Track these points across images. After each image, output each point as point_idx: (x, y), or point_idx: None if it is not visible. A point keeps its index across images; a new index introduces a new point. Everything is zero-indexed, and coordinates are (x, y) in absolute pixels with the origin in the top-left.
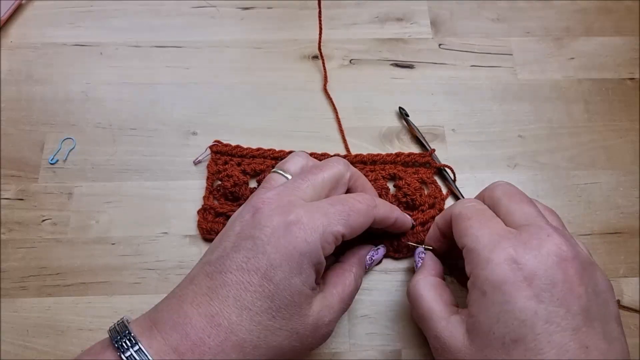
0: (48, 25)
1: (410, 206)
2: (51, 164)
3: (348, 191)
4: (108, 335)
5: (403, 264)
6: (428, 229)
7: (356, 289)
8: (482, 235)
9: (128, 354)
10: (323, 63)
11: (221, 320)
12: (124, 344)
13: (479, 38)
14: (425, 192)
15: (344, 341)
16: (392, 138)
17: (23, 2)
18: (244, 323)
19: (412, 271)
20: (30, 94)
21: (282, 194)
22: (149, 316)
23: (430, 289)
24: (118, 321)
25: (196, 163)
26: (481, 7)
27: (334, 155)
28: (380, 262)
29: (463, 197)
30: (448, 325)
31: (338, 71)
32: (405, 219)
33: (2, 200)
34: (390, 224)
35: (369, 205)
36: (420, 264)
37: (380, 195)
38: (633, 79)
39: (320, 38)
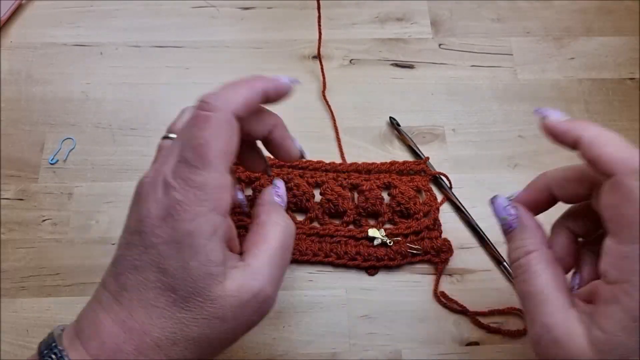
0: (48, 25)
1: (404, 215)
2: (51, 164)
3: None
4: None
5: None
6: (423, 238)
7: (287, 235)
8: None
9: None
10: (322, 69)
11: (132, 323)
12: (51, 358)
13: (479, 38)
14: (420, 200)
15: (344, 341)
16: (392, 138)
17: (23, 2)
18: (154, 322)
19: (410, 271)
20: (30, 94)
21: (158, 167)
22: (74, 325)
23: (547, 267)
24: (49, 332)
25: None
26: (481, 7)
27: (330, 163)
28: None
29: (461, 204)
30: (566, 321)
31: (338, 71)
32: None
33: (2, 200)
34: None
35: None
36: (516, 225)
37: (374, 205)
38: (633, 79)
39: (319, 43)
